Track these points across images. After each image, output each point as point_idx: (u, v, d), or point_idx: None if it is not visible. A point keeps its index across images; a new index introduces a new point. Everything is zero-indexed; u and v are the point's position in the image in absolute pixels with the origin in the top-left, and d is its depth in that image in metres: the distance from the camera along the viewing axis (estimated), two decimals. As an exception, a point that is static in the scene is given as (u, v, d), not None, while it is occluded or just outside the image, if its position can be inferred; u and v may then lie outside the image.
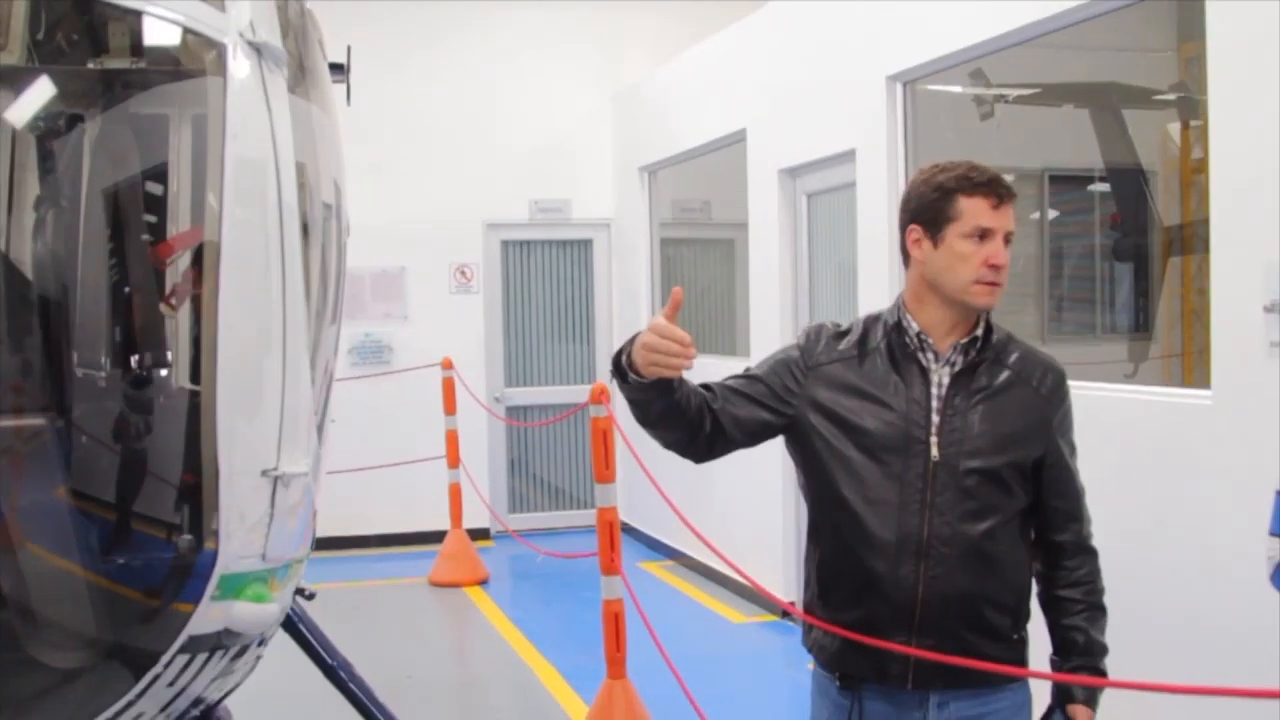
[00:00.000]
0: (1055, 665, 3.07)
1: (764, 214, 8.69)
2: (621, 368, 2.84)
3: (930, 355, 2.98)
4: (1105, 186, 9.44)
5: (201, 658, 3.13)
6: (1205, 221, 9.68)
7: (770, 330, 8.49)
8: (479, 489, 10.76)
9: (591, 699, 6.46)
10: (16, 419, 3.02)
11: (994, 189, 2.93)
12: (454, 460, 9.97)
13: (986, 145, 8.21)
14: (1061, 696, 3.03)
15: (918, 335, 2.99)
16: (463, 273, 11.32)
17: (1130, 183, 9.43)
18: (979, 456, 2.92)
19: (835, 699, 3.07)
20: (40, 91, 3.15)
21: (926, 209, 2.98)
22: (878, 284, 7.02)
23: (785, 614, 8.40)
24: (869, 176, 7.12)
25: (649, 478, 5.89)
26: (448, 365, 9.98)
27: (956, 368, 2.97)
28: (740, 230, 10.93)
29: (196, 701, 3.32)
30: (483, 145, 11.24)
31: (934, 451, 2.92)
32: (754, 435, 3.07)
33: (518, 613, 8.82)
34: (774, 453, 8.16)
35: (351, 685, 4.42)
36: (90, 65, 3.12)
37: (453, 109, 11.19)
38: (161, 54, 3.21)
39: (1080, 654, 3.03)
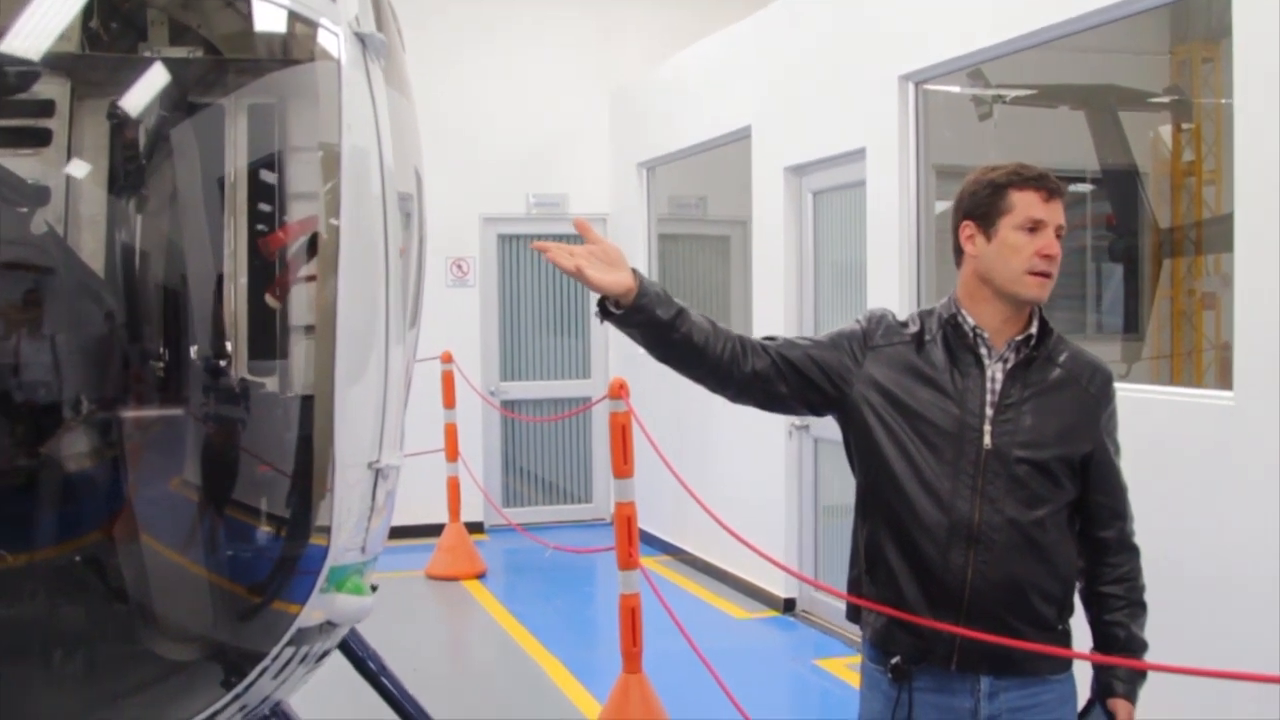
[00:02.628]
0: (1096, 662, 3.11)
1: (768, 211, 8.71)
2: (604, 307, 2.88)
3: (986, 350, 3.03)
4: (1091, 187, 9.49)
5: (304, 650, 3.14)
6: (1196, 224, 9.81)
7: (775, 327, 8.50)
8: (478, 482, 10.76)
9: (600, 693, 6.49)
10: (137, 410, 3.02)
11: (1044, 183, 3.00)
12: (453, 454, 9.96)
13: (984, 145, 8.26)
14: (1101, 691, 3.09)
15: (974, 330, 3.03)
16: (459, 266, 11.31)
17: (1125, 184, 9.51)
18: (1030, 448, 2.97)
19: (885, 691, 3.10)
20: (154, 80, 3.12)
21: (980, 204, 3.04)
22: (887, 282, 7.07)
23: (788, 609, 8.44)
24: (879, 176, 7.15)
25: (670, 471, 5.91)
26: (447, 359, 9.96)
27: (1009, 364, 3.03)
28: (737, 227, 10.96)
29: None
30: (480, 139, 11.22)
31: (987, 440, 2.97)
32: (802, 384, 3.07)
33: (518, 606, 8.83)
34: (775, 451, 8.24)
35: (383, 679, 4.41)
36: (207, 54, 3.13)
37: (450, 102, 11.14)
38: (277, 43, 3.21)
39: (1121, 649, 3.08)
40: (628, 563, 5.93)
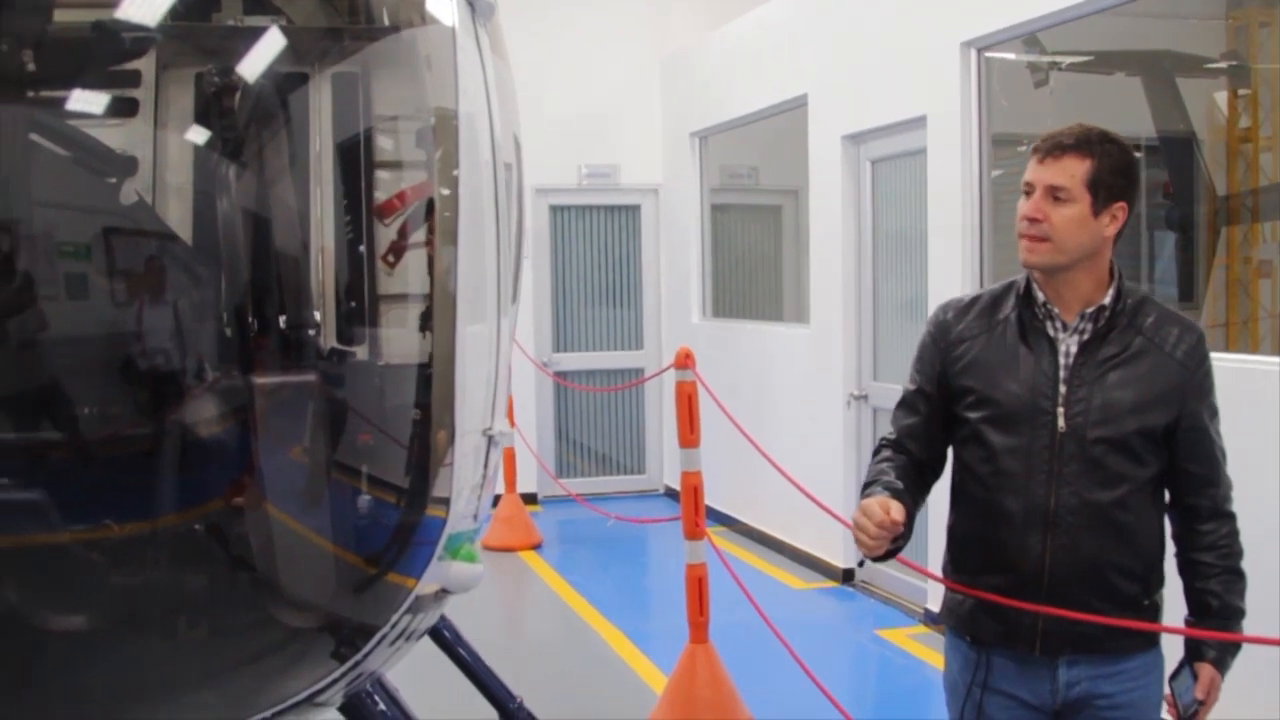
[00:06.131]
0: (1174, 633, 3.09)
1: (825, 181, 8.65)
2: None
3: (1058, 325, 2.99)
4: (1146, 154, 9.38)
5: (418, 619, 3.16)
6: (1253, 191, 9.68)
7: (832, 297, 8.48)
8: (535, 454, 10.79)
9: (664, 663, 6.50)
10: (265, 377, 3.03)
11: (1042, 144, 2.96)
12: (509, 425, 9.98)
13: (1040, 113, 8.18)
14: (1191, 655, 3.06)
15: (1044, 305, 3.01)
16: (512, 238, 11.31)
17: (1182, 151, 9.41)
18: (1105, 426, 2.93)
19: (965, 653, 3.13)
20: (268, 48, 3.11)
21: None
22: (950, 251, 7.02)
23: (846, 580, 8.44)
24: (941, 143, 7.10)
25: (742, 434, 5.89)
26: (505, 330, 9.97)
27: (1085, 336, 2.98)
28: (788, 196, 10.91)
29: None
30: (531, 109, 11.07)
31: (1060, 422, 2.94)
32: (946, 440, 3.16)
33: (576, 577, 8.87)
34: (833, 421, 8.22)
35: (459, 649, 4.45)
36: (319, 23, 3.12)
37: (501, 72, 11.10)
38: (392, 7, 3.20)
39: (1214, 617, 3.04)
40: (694, 533, 5.92)
